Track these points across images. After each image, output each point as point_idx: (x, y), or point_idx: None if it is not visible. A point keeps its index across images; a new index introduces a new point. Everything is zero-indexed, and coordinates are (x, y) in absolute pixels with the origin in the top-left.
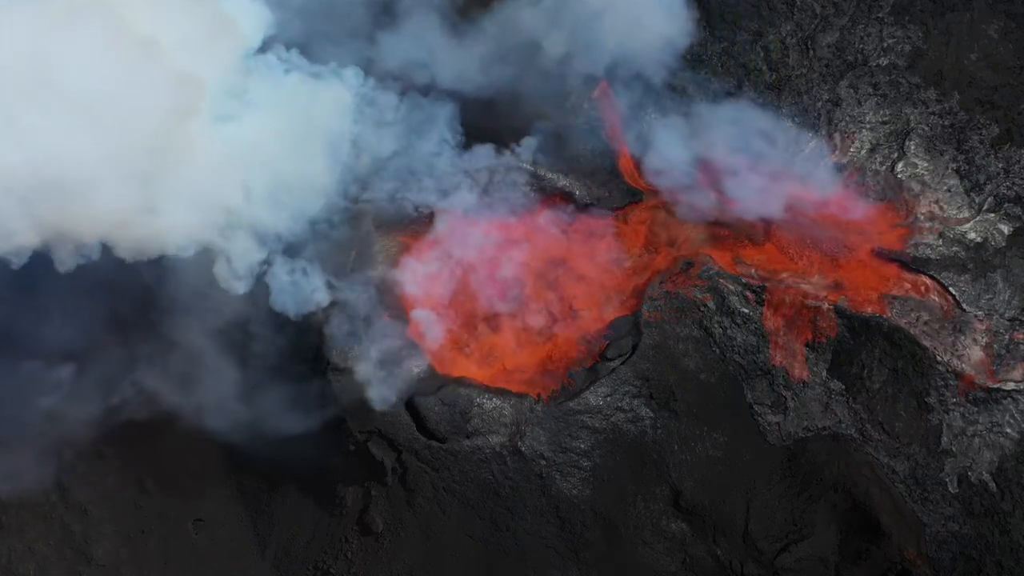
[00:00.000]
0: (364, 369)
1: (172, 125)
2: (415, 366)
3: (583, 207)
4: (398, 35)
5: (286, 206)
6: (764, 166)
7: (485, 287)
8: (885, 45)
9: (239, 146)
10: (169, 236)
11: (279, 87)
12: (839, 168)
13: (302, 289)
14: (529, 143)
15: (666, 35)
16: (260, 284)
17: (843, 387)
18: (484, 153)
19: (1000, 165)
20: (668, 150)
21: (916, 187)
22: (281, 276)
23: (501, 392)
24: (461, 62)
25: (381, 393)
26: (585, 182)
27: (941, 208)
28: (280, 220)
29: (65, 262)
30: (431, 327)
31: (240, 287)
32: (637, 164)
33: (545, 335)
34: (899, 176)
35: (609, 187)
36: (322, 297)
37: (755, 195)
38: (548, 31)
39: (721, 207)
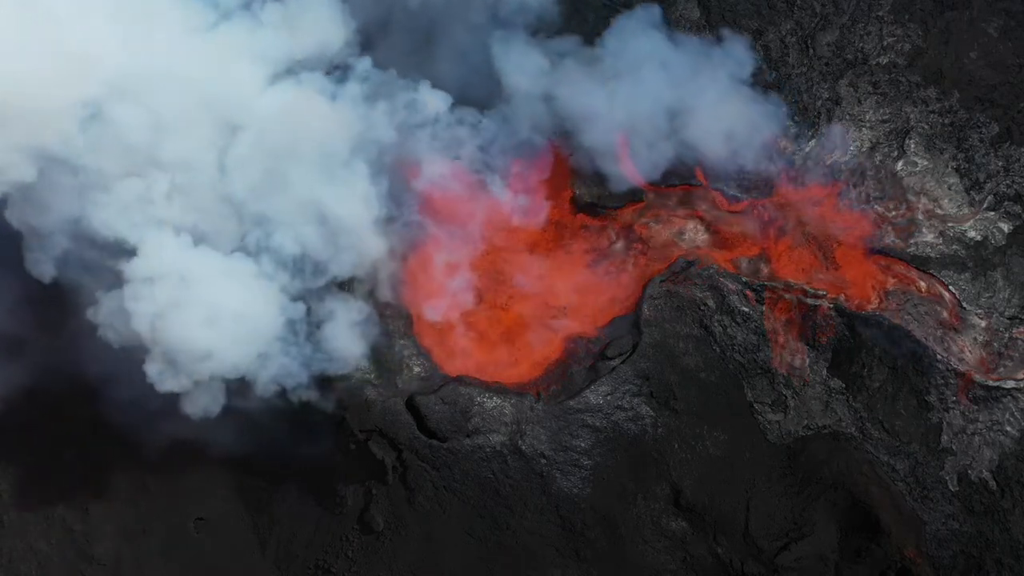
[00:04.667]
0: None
1: None
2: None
3: (584, 206)
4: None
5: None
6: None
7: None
8: (885, 44)
9: None
10: None
11: None
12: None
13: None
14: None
15: None
16: None
17: (843, 386)
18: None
19: (1000, 163)
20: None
21: (916, 185)
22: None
23: (501, 391)
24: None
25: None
26: (584, 181)
27: (941, 206)
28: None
29: None
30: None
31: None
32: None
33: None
34: (899, 174)
35: (609, 186)
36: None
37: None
38: None
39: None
